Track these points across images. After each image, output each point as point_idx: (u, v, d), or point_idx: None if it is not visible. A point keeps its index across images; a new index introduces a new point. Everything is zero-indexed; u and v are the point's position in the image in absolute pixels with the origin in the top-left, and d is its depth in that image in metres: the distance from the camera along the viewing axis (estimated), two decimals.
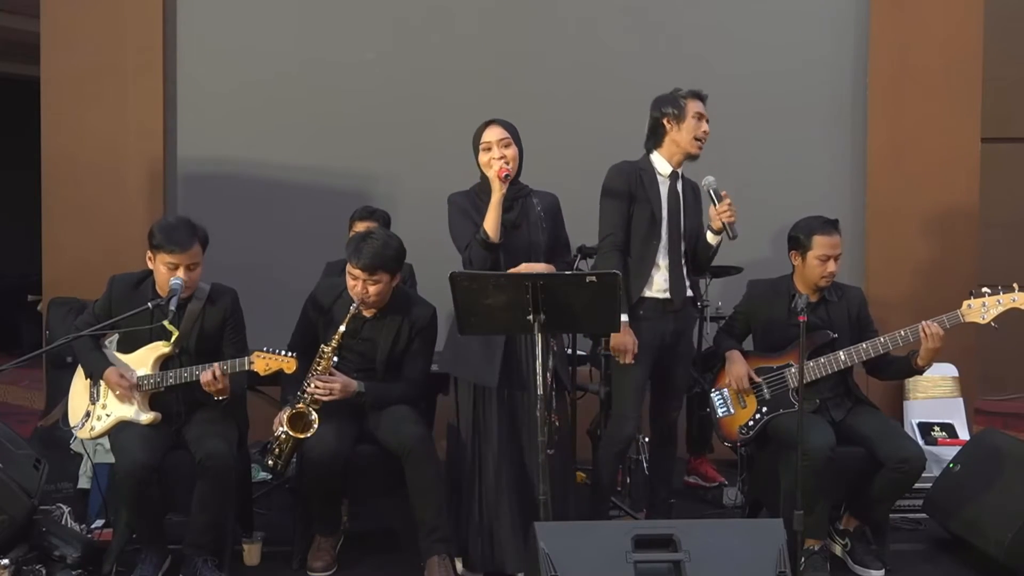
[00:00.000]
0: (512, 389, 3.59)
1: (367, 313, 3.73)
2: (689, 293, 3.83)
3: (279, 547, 3.83)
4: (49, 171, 5.25)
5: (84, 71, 5.21)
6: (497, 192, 3.46)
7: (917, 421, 4.73)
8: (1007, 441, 3.98)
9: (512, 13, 5.35)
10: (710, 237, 3.75)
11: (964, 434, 4.63)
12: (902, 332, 3.68)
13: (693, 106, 3.75)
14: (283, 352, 3.51)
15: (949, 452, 4.26)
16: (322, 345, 3.66)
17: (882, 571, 3.69)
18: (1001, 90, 6.17)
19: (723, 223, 3.65)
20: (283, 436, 3.62)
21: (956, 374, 4.91)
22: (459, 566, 3.64)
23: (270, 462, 3.69)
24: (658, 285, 3.72)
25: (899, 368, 3.83)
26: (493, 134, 3.57)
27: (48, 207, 5.26)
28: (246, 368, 3.50)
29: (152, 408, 3.59)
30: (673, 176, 3.78)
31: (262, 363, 3.49)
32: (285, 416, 3.60)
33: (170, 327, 3.54)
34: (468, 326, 3.27)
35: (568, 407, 3.84)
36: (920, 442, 4.39)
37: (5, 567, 3.39)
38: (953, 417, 4.74)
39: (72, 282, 4.93)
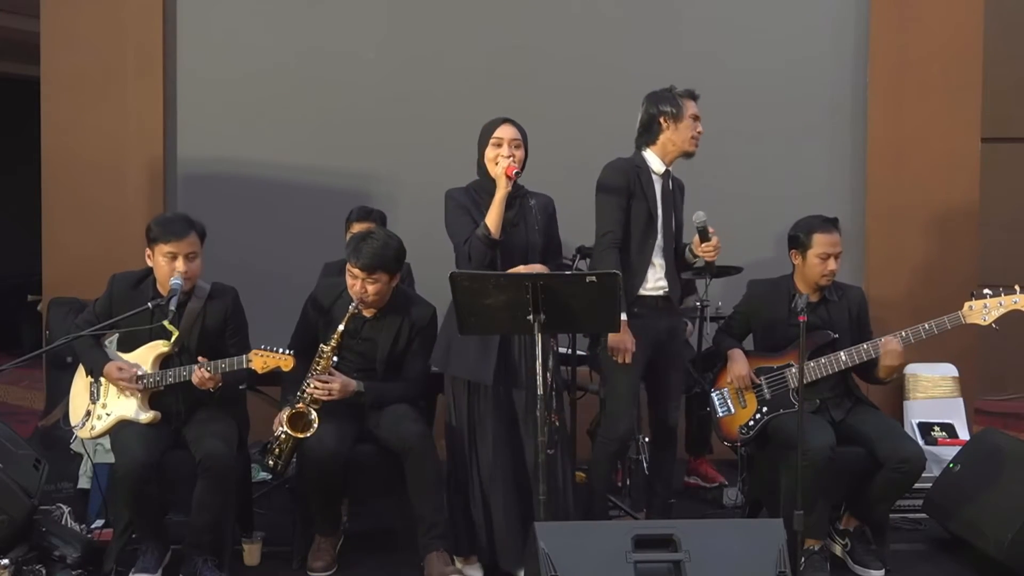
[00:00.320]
0: (506, 386, 3.59)
1: (367, 313, 3.73)
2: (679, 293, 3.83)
3: (279, 547, 3.84)
4: (49, 171, 5.25)
5: (84, 71, 5.21)
6: (502, 189, 3.47)
7: (917, 421, 4.73)
8: (1007, 441, 3.98)
9: (513, 9, 5.35)
10: (688, 257, 3.77)
11: (964, 434, 4.63)
12: (903, 333, 3.68)
13: (690, 106, 3.75)
14: (281, 350, 3.51)
15: (949, 452, 4.26)
16: (321, 345, 3.66)
17: (882, 571, 3.69)
18: (1001, 90, 6.18)
19: (705, 261, 3.67)
20: (283, 436, 3.63)
21: (956, 374, 4.91)
22: (457, 563, 3.65)
23: (270, 462, 3.69)
24: (654, 283, 3.72)
25: (875, 374, 3.83)
26: (507, 132, 3.57)
27: (48, 207, 5.27)
28: (244, 366, 3.50)
29: (152, 407, 3.60)
30: (665, 174, 3.78)
31: (260, 361, 3.49)
32: (285, 416, 3.60)
33: (170, 327, 3.54)
34: (468, 326, 3.27)
35: (565, 406, 3.83)
36: (920, 442, 4.39)
37: (5, 567, 3.39)
38: (953, 417, 4.74)
39: (72, 282, 4.93)
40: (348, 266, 3.67)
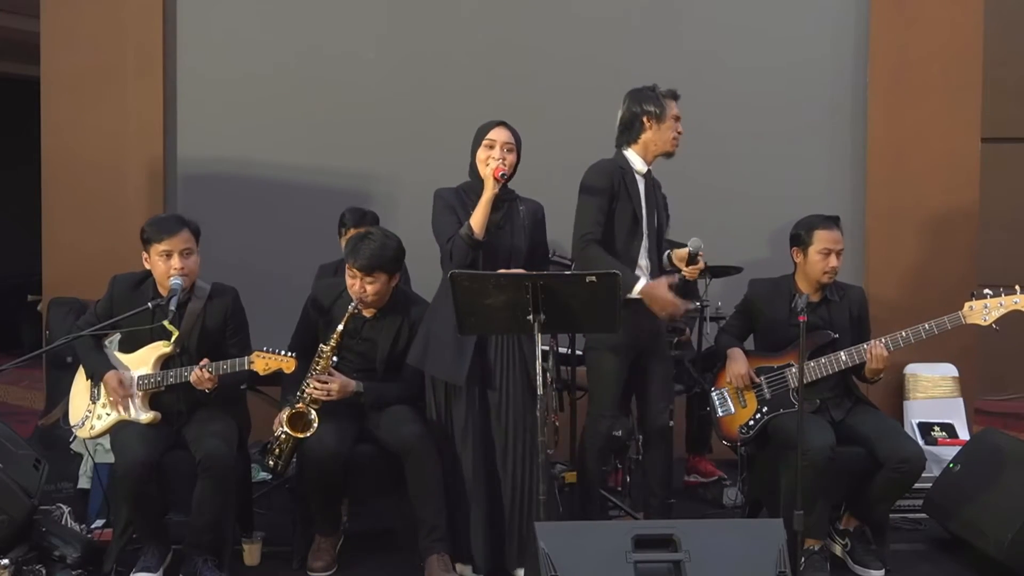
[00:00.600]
0: (481, 387, 3.59)
1: (367, 313, 3.74)
2: None
3: (279, 547, 3.84)
4: (49, 171, 5.25)
5: (84, 71, 5.21)
6: (489, 191, 3.46)
7: (917, 421, 4.73)
8: (1007, 441, 3.98)
9: (513, 9, 5.35)
10: (666, 264, 3.76)
11: (964, 434, 4.63)
12: (903, 333, 3.68)
13: (672, 107, 3.72)
14: (283, 352, 3.51)
15: (949, 452, 4.26)
16: (321, 345, 3.66)
17: (882, 571, 3.69)
18: (1001, 90, 6.17)
19: (685, 280, 3.67)
20: (283, 436, 3.63)
21: (956, 374, 4.91)
22: (458, 567, 3.65)
23: (270, 462, 3.69)
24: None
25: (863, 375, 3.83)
26: (501, 135, 3.57)
27: (48, 207, 5.27)
28: (246, 368, 3.51)
29: (152, 408, 3.60)
30: (647, 174, 3.76)
31: (262, 363, 3.49)
32: (285, 416, 3.60)
33: (170, 327, 3.54)
34: (468, 326, 3.28)
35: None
36: (920, 442, 4.39)
37: (5, 567, 3.39)
38: (953, 417, 4.74)
39: (72, 282, 4.93)
40: (347, 266, 3.67)
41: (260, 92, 5.30)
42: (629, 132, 3.73)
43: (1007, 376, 6.50)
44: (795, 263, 3.92)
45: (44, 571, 3.52)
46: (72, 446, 4.14)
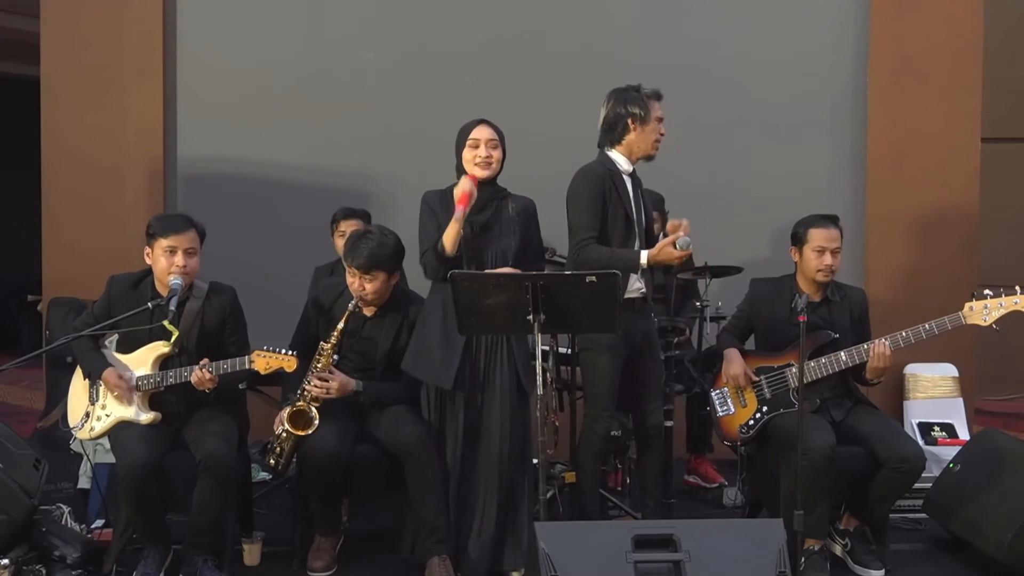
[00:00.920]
0: (469, 391, 3.58)
1: (367, 312, 3.74)
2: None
3: (279, 547, 3.84)
4: (49, 171, 5.25)
5: (84, 71, 5.21)
6: (458, 220, 3.45)
7: (917, 421, 4.73)
8: (1007, 441, 3.98)
9: (513, 7, 5.35)
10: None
11: (964, 434, 4.63)
12: (903, 333, 3.68)
13: (656, 108, 3.70)
14: (283, 351, 3.51)
15: (949, 452, 4.26)
16: (321, 343, 3.66)
17: (882, 571, 3.69)
18: (1001, 90, 6.17)
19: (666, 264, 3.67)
20: (284, 434, 3.63)
21: (956, 374, 4.91)
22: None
23: (271, 461, 3.69)
24: (633, 285, 3.70)
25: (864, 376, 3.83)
26: (484, 133, 3.57)
27: (48, 207, 5.27)
28: (247, 367, 3.50)
29: (152, 408, 3.60)
30: (632, 174, 3.75)
31: (262, 362, 3.49)
32: (285, 414, 3.60)
33: (170, 327, 3.54)
34: (468, 326, 3.28)
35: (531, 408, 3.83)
36: (920, 442, 4.39)
37: (5, 567, 3.39)
38: (953, 417, 4.74)
39: (72, 282, 4.93)
40: (346, 265, 3.67)
41: (260, 92, 5.30)
42: (613, 133, 3.71)
43: (1007, 376, 6.50)
44: (795, 262, 3.92)
45: (44, 571, 3.52)
46: (72, 446, 4.14)
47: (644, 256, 3.57)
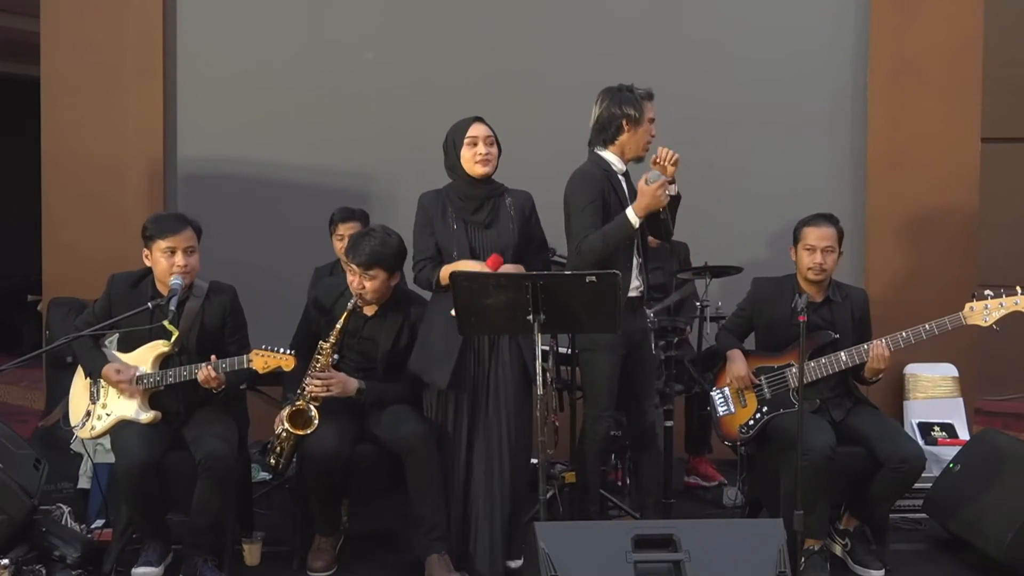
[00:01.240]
0: (468, 391, 3.58)
1: (367, 311, 3.74)
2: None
3: (279, 547, 3.84)
4: (49, 171, 5.25)
5: (84, 71, 5.21)
6: (471, 264, 3.48)
7: (917, 421, 4.73)
8: (1007, 441, 3.98)
9: (512, 5, 5.35)
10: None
11: (964, 434, 4.63)
12: (903, 334, 3.68)
13: (649, 110, 3.68)
14: (282, 349, 3.51)
15: (949, 452, 4.27)
16: (321, 342, 3.66)
17: (882, 571, 3.69)
18: (1001, 90, 6.17)
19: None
20: (284, 434, 3.63)
21: (956, 374, 4.91)
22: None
23: (271, 461, 3.69)
24: (632, 284, 3.70)
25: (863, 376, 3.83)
26: (480, 130, 3.57)
27: (48, 207, 5.27)
28: (245, 366, 3.51)
29: (152, 407, 3.60)
30: (626, 174, 3.75)
31: (261, 361, 3.49)
32: (285, 413, 3.60)
33: (170, 327, 3.54)
34: (468, 326, 3.28)
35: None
36: (920, 442, 4.39)
37: (5, 567, 3.40)
38: (953, 417, 4.74)
39: (72, 282, 4.93)
40: (347, 262, 3.68)
41: (260, 92, 5.30)
42: (605, 133, 3.69)
43: (1007, 376, 6.49)
44: (795, 263, 3.93)
45: (44, 571, 3.52)
46: (72, 446, 4.14)
47: (630, 212, 3.53)
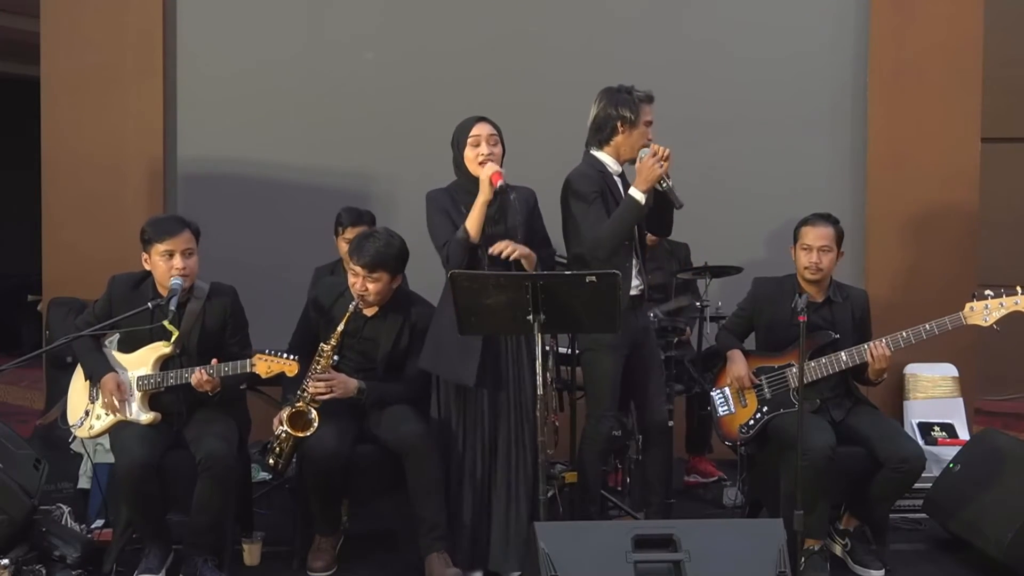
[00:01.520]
0: (490, 388, 3.59)
1: (367, 312, 3.74)
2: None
3: (279, 547, 3.84)
4: (49, 171, 5.25)
5: (84, 71, 5.21)
6: (484, 194, 3.45)
7: (917, 421, 4.73)
8: (1007, 441, 3.98)
9: (512, 5, 5.35)
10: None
11: (964, 434, 4.63)
12: (903, 334, 3.68)
13: (646, 112, 3.67)
14: (285, 355, 3.51)
15: (949, 452, 4.26)
16: (322, 344, 3.66)
17: (882, 571, 3.69)
18: (1001, 90, 6.17)
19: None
20: (283, 435, 3.63)
21: (956, 374, 4.91)
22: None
23: (271, 461, 3.69)
24: (632, 282, 3.70)
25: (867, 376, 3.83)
26: (484, 130, 3.57)
27: (48, 207, 5.27)
28: (248, 370, 3.50)
29: (152, 408, 3.60)
30: (622, 175, 3.75)
31: (264, 365, 3.49)
32: (285, 415, 3.60)
33: (170, 327, 3.54)
34: (468, 326, 3.28)
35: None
36: (920, 442, 4.39)
37: (5, 567, 3.40)
38: (953, 417, 4.74)
39: (72, 282, 4.93)
40: (350, 264, 3.67)
41: (260, 92, 5.30)
42: (601, 133, 3.70)
43: (1007, 376, 6.49)
44: (795, 261, 3.93)
45: (44, 571, 3.52)
46: (72, 446, 4.14)
47: (633, 191, 3.54)
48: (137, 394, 3.58)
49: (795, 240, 3.88)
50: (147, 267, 3.62)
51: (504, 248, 3.48)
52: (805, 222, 3.86)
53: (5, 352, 7.19)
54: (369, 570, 3.77)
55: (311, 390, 3.59)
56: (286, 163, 5.30)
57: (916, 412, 4.83)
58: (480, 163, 3.53)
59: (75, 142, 5.21)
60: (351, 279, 3.68)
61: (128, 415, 3.57)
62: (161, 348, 3.59)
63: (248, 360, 3.50)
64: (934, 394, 4.87)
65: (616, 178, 3.71)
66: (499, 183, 3.44)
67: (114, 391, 3.54)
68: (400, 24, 5.33)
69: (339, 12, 5.33)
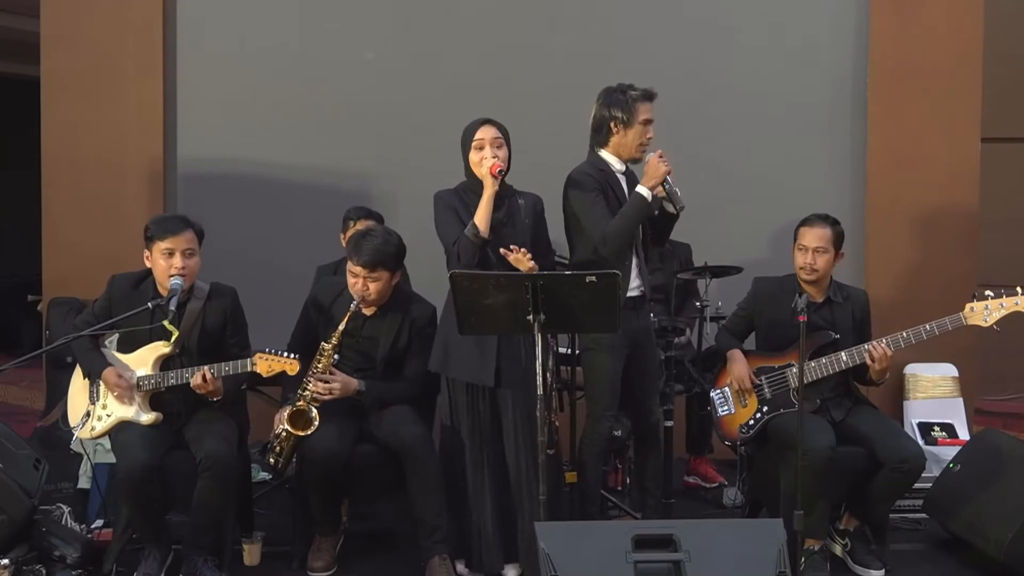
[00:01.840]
0: (503, 388, 3.59)
1: (367, 311, 3.74)
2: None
3: (279, 547, 3.84)
4: (49, 171, 5.25)
5: (84, 71, 5.21)
6: (489, 188, 3.46)
7: (917, 421, 4.73)
8: (1007, 441, 3.98)
9: (513, 6, 5.34)
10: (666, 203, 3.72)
11: (964, 434, 4.63)
12: (903, 334, 3.67)
13: (642, 111, 3.66)
14: (286, 354, 3.51)
15: (949, 452, 4.26)
16: (322, 343, 3.66)
17: (882, 571, 3.69)
18: (1001, 90, 6.17)
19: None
20: (284, 434, 3.63)
21: (956, 374, 4.91)
22: (460, 567, 3.65)
23: (271, 461, 3.69)
24: (632, 283, 3.71)
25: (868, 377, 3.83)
26: (488, 133, 3.57)
27: (48, 207, 5.27)
28: (248, 369, 3.51)
29: (152, 408, 3.60)
30: (627, 173, 3.75)
31: (264, 364, 3.49)
32: (285, 414, 3.60)
33: (170, 327, 3.54)
34: (468, 326, 3.28)
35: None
36: (920, 442, 4.39)
37: (5, 567, 3.40)
38: (953, 417, 4.74)
39: (72, 282, 4.94)
40: (349, 264, 3.68)
41: (260, 92, 5.30)
42: (599, 134, 3.72)
43: (1007, 376, 6.49)
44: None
45: (44, 571, 3.52)
46: (72, 446, 4.14)
47: (641, 189, 3.57)
48: (138, 394, 3.57)
49: (794, 240, 3.89)
50: (148, 264, 3.62)
51: (521, 257, 3.45)
52: (803, 223, 3.87)
53: (5, 352, 7.20)
54: (369, 570, 3.77)
55: (312, 389, 3.59)
56: (286, 163, 5.30)
57: (916, 412, 4.83)
58: (482, 166, 3.53)
59: (75, 142, 5.21)
60: (350, 280, 3.67)
61: (132, 411, 3.56)
62: (161, 348, 3.59)
63: (248, 359, 3.50)
64: (934, 394, 4.87)
65: (620, 176, 3.71)
66: (498, 169, 3.46)
67: (117, 382, 3.54)
68: (400, 24, 5.33)
69: (339, 12, 5.33)
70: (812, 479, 3.48)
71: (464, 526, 3.64)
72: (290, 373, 3.50)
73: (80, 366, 3.71)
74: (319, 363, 3.62)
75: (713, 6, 5.38)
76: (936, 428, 4.64)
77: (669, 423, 4.16)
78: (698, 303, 4.54)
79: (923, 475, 3.67)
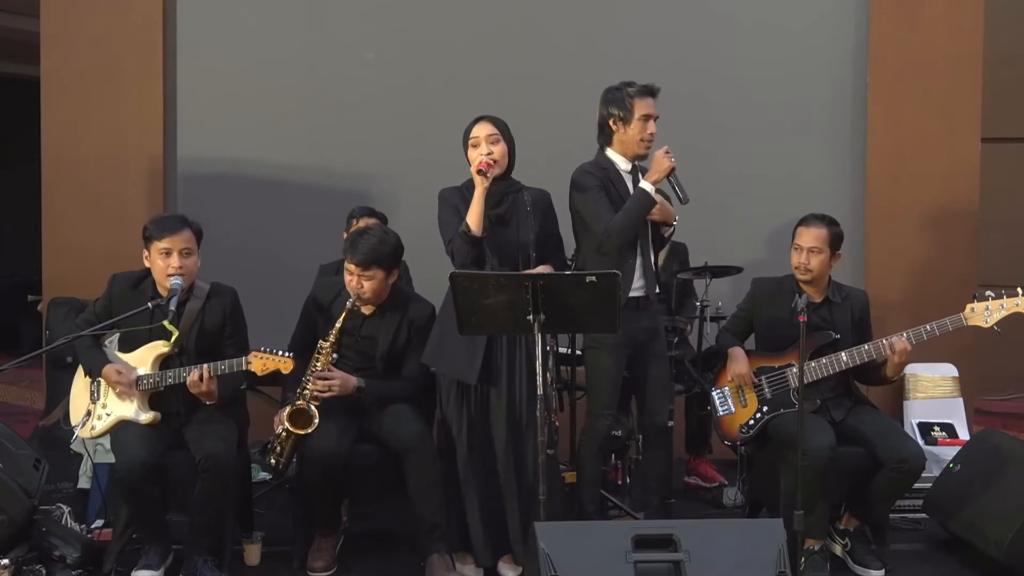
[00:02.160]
0: (496, 387, 3.59)
1: (365, 310, 3.74)
2: (656, 290, 3.82)
3: (279, 547, 3.84)
4: (49, 171, 5.25)
5: (84, 71, 5.21)
6: (479, 186, 3.46)
7: (917, 421, 4.73)
8: (1007, 441, 3.98)
9: (513, 8, 5.34)
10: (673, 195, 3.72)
11: (964, 434, 4.63)
12: (904, 334, 3.67)
13: (641, 106, 3.66)
14: (280, 352, 3.51)
15: (949, 452, 4.26)
16: (320, 341, 3.66)
17: (882, 571, 3.69)
18: (1001, 90, 6.17)
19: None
20: (284, 433, 3.63)
21: (956, 374, 4.90)
22: (466, 567, 3.66)
23: (272, 460, 3.69)
24: (635, 283, 3.71)
25: (879, 375, 3.82)
26: (482, 130, 3.57)
27: (48, 207, 5.27)
28: (244, 368, 3.51)
29: (152, 408, 3.60)
30: (633, 171, 3.75)
31: (259, 363, 3.49)
32: (285, 413, 3.60)
33: (170, 327, 3.54)
34: (468, 326, 3.28)
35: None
36: (920, 442, 4.39)
37: (5, 567, 3.39)
38: (953, 417, 4.74)
39: (72, 282, 4.93)
40: (345, 262, 3.68)
41: (260, 92, 5.30)
42: (603, 133, 3.74)
43: (1007, 376, 6.50)
44: None
45: (44, 571, 3.52)
46: (72, 446, 4.13)
47: (644, 184, 3.58)
48: (137, 393, 3.58)
49: (791, 239, 3.89)
50: (147, 264, 3.62)
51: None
52: (801, 222, 3.87)
53: (5, 352, 7.20)
54: (369, 570, 3.77)
55: (311, 388, 3.59)
56: (286, 162, 5.30)
57: (916, 412, 4.82)
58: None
59: (75, 141, 5.21)
60: (347, 278, 3.68)
61: (131, 409, 3.56)
62: (160, 347, 3.59)
63: (244, 358, 3.50)
64: (934, 394, 4.87)
65: (625, 175, 3.72)
66: (479, 169, 3.44)
67: (117, 379, 3.55)
68: (401, 24, 5.33)
69: (340, 11, 5.33)
70: (812, 479, 3.48)
71: (462, 522, 3.64)
72: (284, 371, 3.50)
73: (81, 364, 3.71)
74: (317, 362, 3.63)
75: (714, 6, 5.38)
76: (936, 428, 4.64)
77: (669, 423, 4.16)
78: (696, 303, 4.54)
79: (923, 475, 3.67)
